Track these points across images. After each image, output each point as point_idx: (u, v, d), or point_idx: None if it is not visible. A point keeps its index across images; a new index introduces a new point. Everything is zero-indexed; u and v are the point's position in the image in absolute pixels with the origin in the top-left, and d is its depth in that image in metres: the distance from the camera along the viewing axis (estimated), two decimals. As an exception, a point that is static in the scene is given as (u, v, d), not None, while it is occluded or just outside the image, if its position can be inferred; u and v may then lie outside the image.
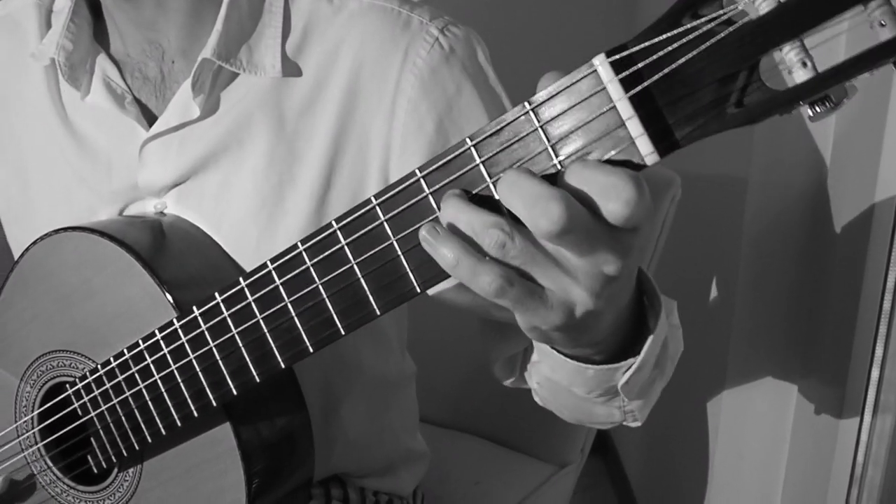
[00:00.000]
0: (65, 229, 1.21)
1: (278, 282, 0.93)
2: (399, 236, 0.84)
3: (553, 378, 1.08)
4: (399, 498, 1.63)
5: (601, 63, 0.72)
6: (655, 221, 1.83)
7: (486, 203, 0.77)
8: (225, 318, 1.00)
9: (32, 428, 1.29)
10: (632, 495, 3.12)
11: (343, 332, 0.92)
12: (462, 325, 1.35)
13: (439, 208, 0.80)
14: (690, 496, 2.50)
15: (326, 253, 0.88)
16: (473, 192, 0.79)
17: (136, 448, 1.17)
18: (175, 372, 1.07)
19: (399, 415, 1.59)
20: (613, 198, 0.71)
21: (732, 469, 2.29)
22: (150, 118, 1.30)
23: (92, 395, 1.17)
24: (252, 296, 0.96)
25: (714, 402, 2.30)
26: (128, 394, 1.13)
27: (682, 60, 0.70)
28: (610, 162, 0.73)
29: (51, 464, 1.30)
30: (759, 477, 2.23)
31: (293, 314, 0.94)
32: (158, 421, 1.12)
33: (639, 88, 0.71)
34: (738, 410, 2.20)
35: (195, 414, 1.08)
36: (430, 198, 0.81)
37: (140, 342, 1.09)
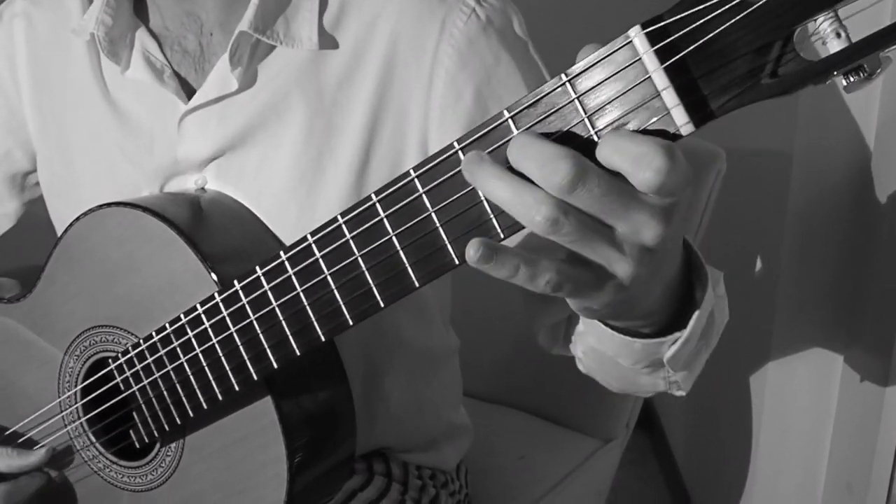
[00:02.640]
0: (108, 205, 1.21)
1: (318, 255, 0.93)
2: (438, 208, 0.84)
3: (599, 349, 1.08)
4: (442, 472, 1.63)
5: (637, 34, 0.73)
6: (700, 195, 1.82)
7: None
8: (265, 292, 1.00)
9: (76, 403, 1.30)
10: (677, 469, 3.12)
11: (382, 305, 0.92)
12: (507, 299, 1.36)
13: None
14: (735, 470, 2.49)
15: (366, 226, 0.88)
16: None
17: (178, 422, 1.17)
18: (216, 345, 1.08)
19: (441, 388, 1.59)
20: (645, 167, 0.71)
21: (777, 442, 2.28)
22: (190, 92, 1.30)
23: (134, 369, 1.18)
24: (292, 269, 0.96)
25: (758, 376, 2.29)
26: (169, 368, 1.14)
27: (717, 31, 0.70)
28: (644, 132, 0.74)
29: (93, 439, 1.31)
30: (804, 449, 2.23)
31: (333, 287, 0.94)
32: (200, 395, 1.13)
33: (674, 59, 0.72)
34: (782, 383, 2.20)
35: (236, 387, 1.09)
36: None
37: (182, 316, 1.10)
